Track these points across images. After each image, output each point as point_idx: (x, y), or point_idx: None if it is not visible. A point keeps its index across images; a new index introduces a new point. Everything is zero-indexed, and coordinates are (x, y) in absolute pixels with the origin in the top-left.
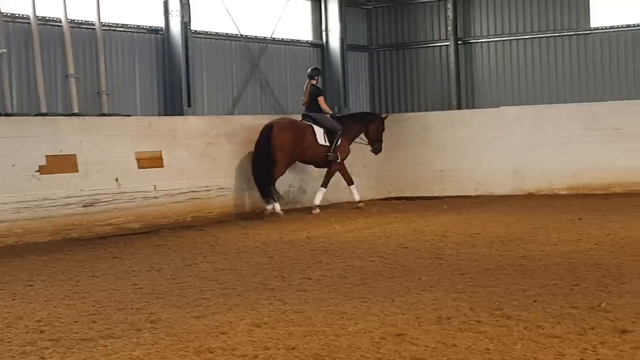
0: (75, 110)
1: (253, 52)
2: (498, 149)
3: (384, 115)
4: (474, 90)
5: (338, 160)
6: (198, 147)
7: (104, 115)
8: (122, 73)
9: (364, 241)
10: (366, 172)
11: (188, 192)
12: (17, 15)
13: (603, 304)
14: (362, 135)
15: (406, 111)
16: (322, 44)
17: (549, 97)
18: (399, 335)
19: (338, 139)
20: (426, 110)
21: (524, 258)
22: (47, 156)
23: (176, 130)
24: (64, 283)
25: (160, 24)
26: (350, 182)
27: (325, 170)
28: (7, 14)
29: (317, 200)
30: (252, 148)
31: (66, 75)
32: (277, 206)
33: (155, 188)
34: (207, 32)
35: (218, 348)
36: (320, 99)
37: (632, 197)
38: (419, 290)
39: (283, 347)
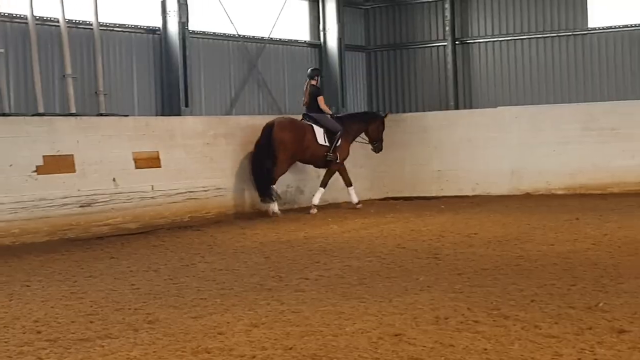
0: (73, 110)
1: (251, 52)
2: (495, 149)
3: (384, 114)
4: (472, 91)
5: (337, 161)
6: (195, 147)
7: (101, 115)
8: (119, 73)
9: (361, 241)
10: (364, 173)
11: (185, 193)
12: (14, 15)
13: (600, 304)
14: (363, 135)
15: (404, 111)
16: (320, 44)
17: (547, 97)
18: (396, 335)
19: (338, 140)
20: (424, 111)
21: (521, 258)
22: (44, 156)
23: (174, 131)
24: (61, 283)
25: (158, 24)
26: (349, 183)
27: (324, 170)
28: (4, 13)
29: (316, 200)
30: (250, 148)
31: (64, 75)
32: (275, 206)
33: (152, 188)
34: (204, 32)
35: (215, 348)
36: (320, 99)
37: (629, 197)
38: (416, 290)
39: (280, 347)
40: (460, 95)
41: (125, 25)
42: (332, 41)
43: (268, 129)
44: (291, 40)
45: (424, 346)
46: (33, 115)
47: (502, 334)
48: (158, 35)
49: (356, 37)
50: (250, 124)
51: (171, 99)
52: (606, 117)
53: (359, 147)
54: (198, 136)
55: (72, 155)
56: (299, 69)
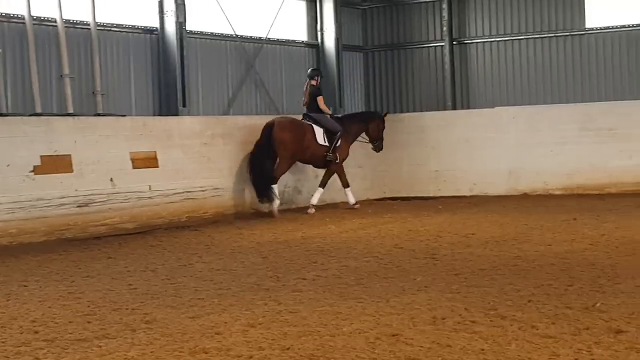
0: (70, 110)
1: (248, 52)
2: (493, 149)
3: (383, 114)
4: (469, 91)
5: (337, 161)
6: (193, 147)
7: (98, 115)
8: (117, 73)
9: (359, 241)
10: (361, 173)
11: (183, 193)
12: (11, 15)
13: (597, 304)
14: (364, 134)
15: (401, 111)
16: (318, 44)
17: (544, 98)
18: (393, 335)
19: (338, 140)
20: (421, 111)
21: (519, 258)
22: (41, 156)
23: (171, 131)
24: (58, 283)
25: (155, 24)
26: (346, 184)
27: (322, 171)
28: (2, 13)
29: (314, 200)
30: (247, 148)
31: (61, 75)
32: (274, 205)
33: (150, 188)
34: (202, 32)
35: (213, 348)
36: (319, 99)
37: (626, 198)
38: (413, 290)
39: (278, 348)
40: (458, 95)
41: (122, 25)
42: (329, 41)
43: (268, 128)
44: (289, 40)
45: (421, 346)
46: (30, 115)
47: (499, 334)
48: (155, 35)
49: (354, 37)
50: (248, 124)
51: (169, 99)
52: (604, 118)
53: (357, 148)
54: (195, 136)
55: (70, 155)
56: (297, 69)
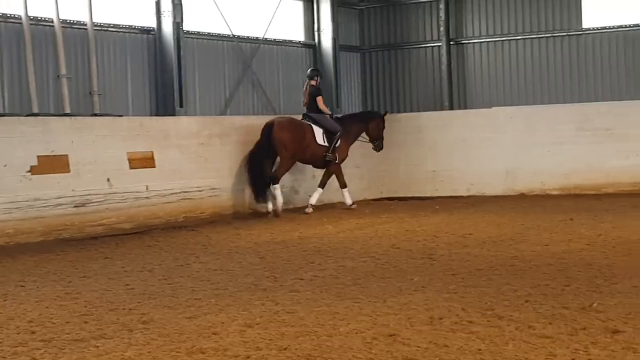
0: (67, 111)
1: (245, 52)
2: (490, 149)
3: (383, 113)
4: (466, 91)
5: (336, 161)
6: (190, 148)
7: (95, 115)
8: (114, 73)
9: (356, 242)
10: (359, 173)
11: (180, 193)
12: (8, 15)
13: (594, 304)
14: (364, 134)
15: (398, 112)
16: (315, 45)
17: (541, 98)
18: (390, 335)
19: (337, 140)
20: (418, 111)
21: (516, 258)
22: (38, 156)
23: (168, 131)
24: (55, 284)
25: (153, 24)
26: (343, 185)
27: (320, 171)
28: None
29: (313, 200)
30: (244, 148)
31: (58, 76)
32: (271, 206)
33: (147, 188)
34: (199, 32)
35: (210, 349)
36: (319, 100)
37: (623, 198)
38: (411, 290)
39: (275, 348)
40: (455, 95)
41: (119, 25)
42: (326, 41)
43: (268, 128)
44: (286, 40)
45: (418, 346)
46: (27, 115)
47: (496, 334)
48: (152, 35)
49: (351, 37)
50: (245, 124)
51: (165, 99)
52: (601, 118)
53: (354, 148)
54: (192, 136)
55: (67, 155)
56: (294, 69)
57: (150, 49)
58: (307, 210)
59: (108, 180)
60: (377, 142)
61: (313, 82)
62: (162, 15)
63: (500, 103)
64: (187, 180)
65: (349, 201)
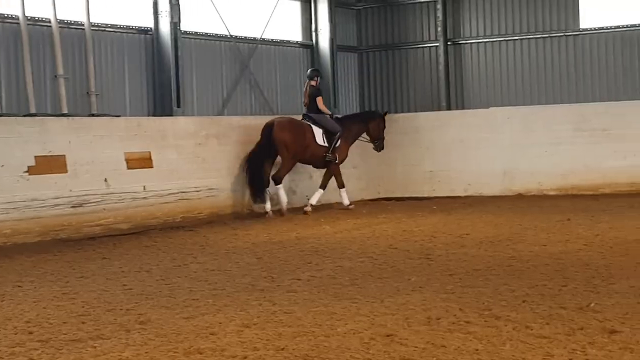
0: (65, 111)
1: (243, 52)
2: (487, 149)
3: (384, 113)
4: (464, 91)
5: (336, 161)
6: (187, 148)
7: (93, 115)
8: (111, 73)
9: (353, 242)
10: (356, 173)
11: (177, 193)
12: (5, 15)
13: (592, 305)
14: (365, 134)
15: (396, 112)
16: (312, 45)
17: (538, 98)
18: (388, 335)
19: (337, 140)
20: (416, 111)
21: (513, 259)
22: (36, 157)
23: (165, 131)
24: (52, 284)
25: (150, 24)
26: (341, 185)
27: (318, 171)
28: None
29: (313, 200)
30: (242, 148)
31: (55, 76)
32: (269, 206)
33: (144, 189)
34: (196, 32)
35: (207, 349)
36: (318, 100)
37: (620, 198)
38: (408, 290)
39: (272, 348)
40: (453, 95)
41: (117, 25)
42: (324, 42)
43: (267, 129)
44: (283, 40)
45: (416, 347)
46: (25, 115)
47: (494, 334)
48: (150, 35)
49: (348, 37)
50: (243, 125)
51: (163, 99)
52: (598, 118)
53: (352, 148)
54: (190, 136)
55: (64, 155)
56: (291, 69)
57: (148, 49)
58: (306, 209)
59: (105, 180)
60: (378, 142)
61: (313, 83)
62: (159, 16)
63: (498, 103)
64: (184, 181)
65: (346, 202)
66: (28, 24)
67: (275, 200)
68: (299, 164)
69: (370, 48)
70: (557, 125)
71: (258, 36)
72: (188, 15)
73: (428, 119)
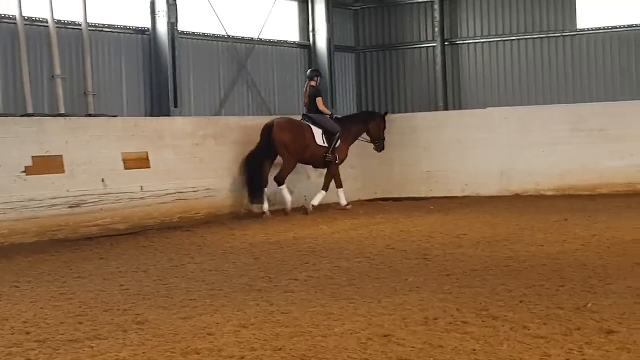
0: (62, 111)
1: (240, 52)
2: (485, 150)
3: (384, 113)
4: (461, 92)
5: (337, 162)
6: (185, 148)
7: (90, 116)
8: (108, 74)
9: (350, 242)
10: (354, 173)
11: (175, 193)
12: (3, 15)
13: (589, 305)
14: (366, 134)
15: (393, 112)
16: (309, 45)
17: (536, 98)
18: (385, 336)
19: (337, 141)
20: (413, 112)
21: (510, 259)
22: (33, 157)
23: (163, 131)
24: (50, 284)
25: (147, 24)
26: (339, 185)
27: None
28: None
29: (316, 202)
30: (239, 149)
31: (52, 76)
32: (267, 206)
33: (142, 189)
34: (194, 32)
35: (205, 349)
36: (319, 100)
37: (617, 198)
38: (405, 291)
39: (270, 348)
40: (450, 96)
41: (114, 25)
42: (321, 42)
43: (267, 129)
44: (280, 41)
45: (413, 347)
46: (22, 115)
47: (491, 334)
48: (147, 35)
49: (346, 38)
50: (240, 125)
51: (160, 99)
52: (595, 118)
53: (350, 148)
54: (187, 137)
55: (61, 156)
56: (289, 69)
57: (145, 49)
58: (306, 206)
59: (103, 180)
60: (378, 143)
61: (313, 83)
62: (157, 16)
63: (495, 104)
64: (182, 181)
65: (343, 202)
66: (25, 24)
67: (273, 201)
68: (299, 165)
69: (367, 48)
70: (554, 126)
71: (255, 36)
72: (185, 16)
73: (425, 120)
